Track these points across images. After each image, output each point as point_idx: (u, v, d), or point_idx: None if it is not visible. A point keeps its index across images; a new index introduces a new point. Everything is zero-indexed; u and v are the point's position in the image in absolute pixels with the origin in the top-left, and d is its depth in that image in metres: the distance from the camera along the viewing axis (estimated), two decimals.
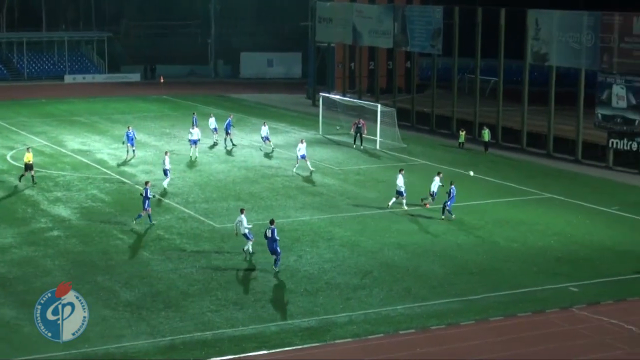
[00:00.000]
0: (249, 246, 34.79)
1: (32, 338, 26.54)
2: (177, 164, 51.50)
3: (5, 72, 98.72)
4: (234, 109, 72.19)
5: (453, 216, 40.63)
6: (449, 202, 40.51)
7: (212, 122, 60.23)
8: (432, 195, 42.16)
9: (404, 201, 42.31)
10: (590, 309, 29.72)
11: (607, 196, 46.27)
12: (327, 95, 68.98)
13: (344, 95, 72.47)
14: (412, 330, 27.80)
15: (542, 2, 61.93)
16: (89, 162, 53.56)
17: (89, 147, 58.67)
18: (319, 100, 67.89)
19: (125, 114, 73.76)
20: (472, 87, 65.93)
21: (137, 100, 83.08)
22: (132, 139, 54.45)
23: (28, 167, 46.64)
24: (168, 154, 47.69)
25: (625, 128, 52.33)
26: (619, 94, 52.43)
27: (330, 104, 67.48)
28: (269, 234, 33.09)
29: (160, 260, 34.49)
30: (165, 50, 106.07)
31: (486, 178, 49.16)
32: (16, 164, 51.40)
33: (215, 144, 59.00)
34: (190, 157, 54.24)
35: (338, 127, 64.80)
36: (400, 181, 42.14)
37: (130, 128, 55.29)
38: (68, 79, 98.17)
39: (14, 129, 65.29)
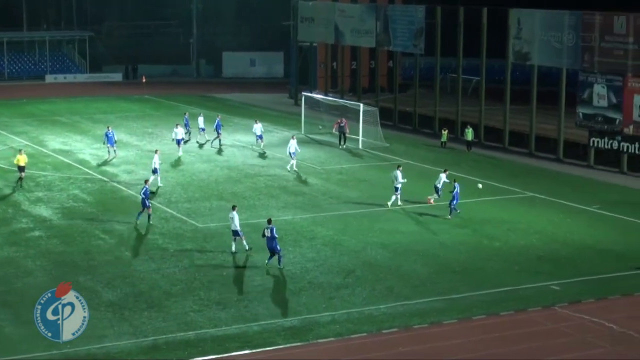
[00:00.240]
0: (244, 242, 34.87)
1: (13, 338, 26.44)
2: (160, 164, 51.22)
3: None
4: (216, 109, 72.04)
5: (458, 211, 40.95)
6: (454, 202, 40.80)
7: (201, 121, 60.20)
8: (437, 191, 42.49)
9: (395, 197, 42.42)
10: (571, 308, 29.82)
11: (588, 195, 46.47)
12: (309, 94, 68.96)
13: (326, 95, 72.45)
14: (395, 329, 27.81)
15: (523, 1, 62.13)
16: (70, 162, 53.34)
17: (70, 147, 58.43)
18: (301, 100, 67.87)
19: (107, 113, 73.49)
20: (455, 87, 66.07)
21: (119, 100, 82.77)
22: (112, 139, 54.18)
23: (21, 169, 46.41)
24: (158, 152, 47.59)
25: (606, 127, 52.57)
26: (599, 93, 52.66)
27: (312, 104, 67.46)
28: (267, 233, 33.14)
29: (142, 260, 34.40)
30: (148, 50, 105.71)
31: (469, 177, 49.25)
32: None
33: (203, 144, 59.03)
34: (179, 156, 54.29)
35: (320, 127, 64.78)
36: (399, 177, 42.39)
37: (109, 128, 55.02)
38: (49, 78, 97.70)
39: None
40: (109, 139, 54.03)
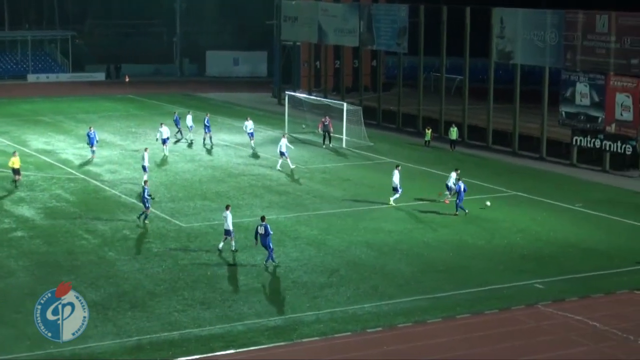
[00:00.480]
0: (233, 243, 34.94)
1: None
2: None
3: None
4: (200, 108, 71.80)
5: (466, 211, 41.03)
6: (459, 200, 40.86)
7: (189, 119, 60.10)
8: (448, 189, 42.74)
9: (396, 196, 42.49)
10: (555, 306, 29.93)
11: (571, 193, 46.63)
12: (292, 93, 68.93)
13: (309, 94, 72.44)
14: (380, 329, 27.83)
15: (506, 0, 62.32)
16: (53, 161, 53.12)
17: (53, 146, 58.18)
18: (284, 99, 67.82)
19: (90, 113, 73.18)
20: (438, 86, 66.17)
21: (103, 99, 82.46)
22: (93, 140, 53.88)
23: (15, 171, 46.15)
24: (148, 150, 47.47)
25: (588, 125, 52.76)
26: (582, 91, 52.85)
27: (296, 103, 67.42)
28: (261, 230, 33.24)
29: (126, 260, 34.29)
30: (131, 49, 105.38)
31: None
32: None
33: (192, 141, 59.08)
34: (166, 155, 54.22)
35: (304, 126, 64.76)
36: (396, 177, 42.43)
37: (91, 128, 54.74)
38: (31, 78, 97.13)
39: None
40: (90, 139, 53.75)
